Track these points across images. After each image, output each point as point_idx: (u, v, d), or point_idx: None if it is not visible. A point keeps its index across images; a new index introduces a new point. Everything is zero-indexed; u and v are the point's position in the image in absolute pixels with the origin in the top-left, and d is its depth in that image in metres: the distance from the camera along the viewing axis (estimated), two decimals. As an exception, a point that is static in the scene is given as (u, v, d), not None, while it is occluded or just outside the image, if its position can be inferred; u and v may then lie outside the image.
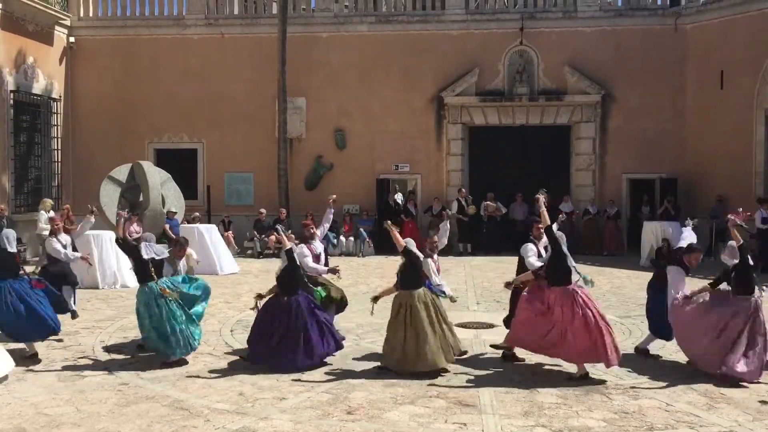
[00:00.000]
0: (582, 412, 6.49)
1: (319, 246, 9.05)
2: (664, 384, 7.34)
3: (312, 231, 9.06)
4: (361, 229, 19.92)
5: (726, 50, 19.08)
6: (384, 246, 19.85)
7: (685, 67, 20.17)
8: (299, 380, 7.49)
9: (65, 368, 8.03)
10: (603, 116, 20.58)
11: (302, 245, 8.86)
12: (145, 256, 8.09)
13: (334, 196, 10.14)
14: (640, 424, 6.18)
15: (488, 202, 19.86)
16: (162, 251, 8.26)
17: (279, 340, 7.84)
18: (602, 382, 7.42)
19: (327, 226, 9.74)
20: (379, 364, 7.92)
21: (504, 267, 16.38)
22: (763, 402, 6.78)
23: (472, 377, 7.63)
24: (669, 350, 8.58)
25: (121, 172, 17.14)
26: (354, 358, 8.37)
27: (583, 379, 7.44)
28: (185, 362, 8.14)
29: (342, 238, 19.77)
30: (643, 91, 20.27)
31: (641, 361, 8.27)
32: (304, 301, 8.04)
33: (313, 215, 19.73)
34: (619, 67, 20.38)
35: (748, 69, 18.48)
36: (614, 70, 20.40)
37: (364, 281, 14.74)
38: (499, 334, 9.07)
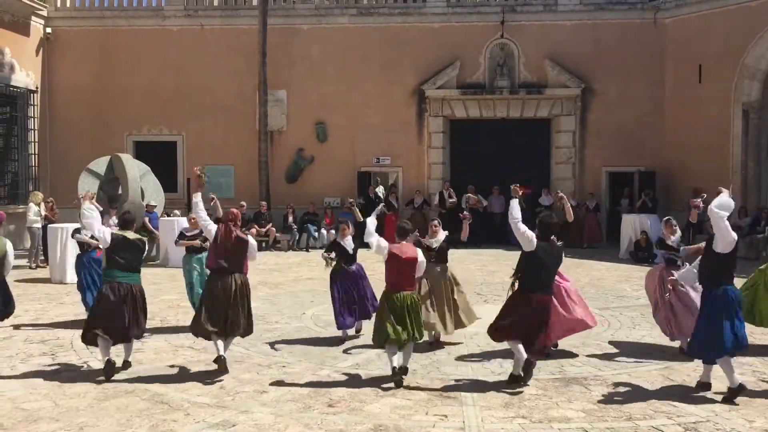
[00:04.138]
0: (561, 403, 6.54)
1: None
2: (643, 375, 7.41)
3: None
4: (342, 222, 19.85)
5: (704, 44, 19.25)
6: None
7: (664, 61, 20.34)
8: (283, 368, 7.49)
9: (43, 362, 7.95)
10: (583, 110, 20.71)
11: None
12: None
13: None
14: (618, 415, 6.24)
15: (469, 195, 19.90)
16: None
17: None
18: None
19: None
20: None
21: (483, 259, 16.46)
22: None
23: (453, 369, 7.66)
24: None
25: (100, 165, 16.97)
26: (336, 351, 8.37)
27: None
28: None
29: (323, 230, 19.73)
30: (623, 84, 20.42)
31: (620, 351, 8.35)
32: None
33: (294, 208, 19.81)
34: (599, 60, 20.51)
35: (725, 63, 18.67)
36: (594, 64, 20.53)
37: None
38: (480, 326, 9.11)
